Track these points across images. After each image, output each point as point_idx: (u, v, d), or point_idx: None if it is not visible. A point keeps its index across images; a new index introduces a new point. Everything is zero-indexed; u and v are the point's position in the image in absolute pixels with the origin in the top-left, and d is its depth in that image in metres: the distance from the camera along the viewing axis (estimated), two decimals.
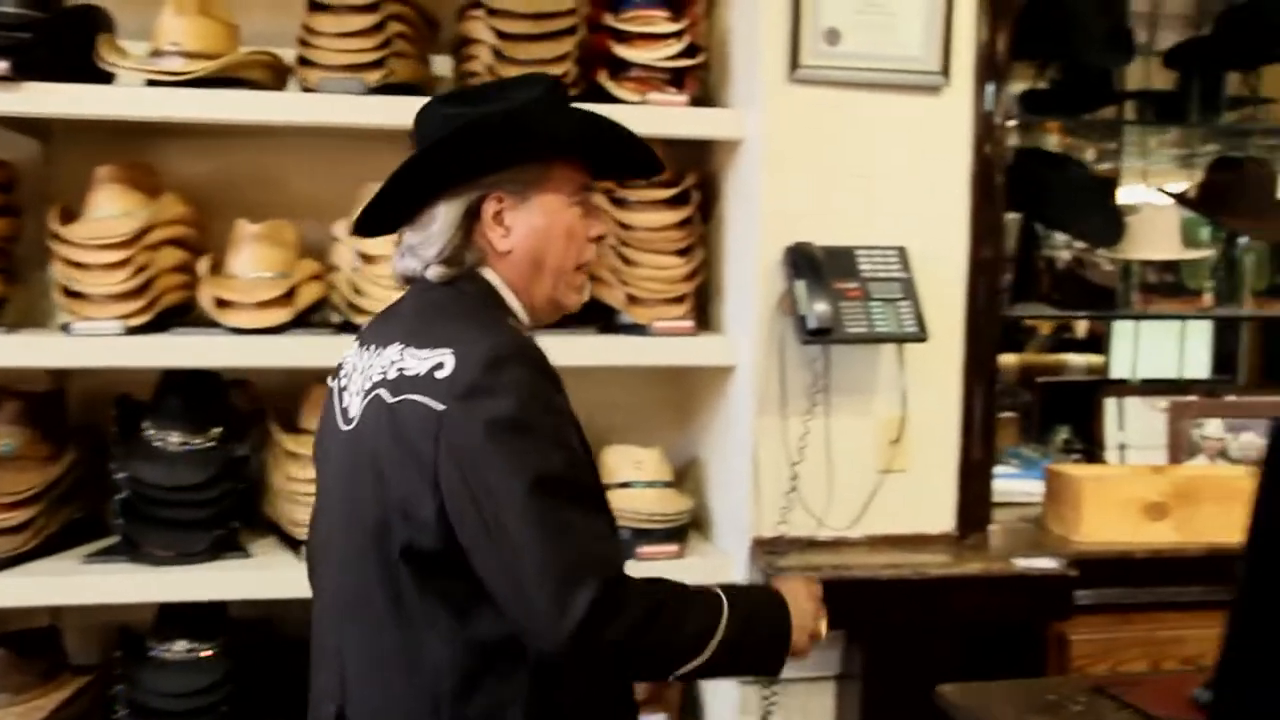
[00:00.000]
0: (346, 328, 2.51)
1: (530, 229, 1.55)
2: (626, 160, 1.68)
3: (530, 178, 1.55)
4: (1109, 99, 3.50)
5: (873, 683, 2.43)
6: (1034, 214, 2.96)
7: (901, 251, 2.48)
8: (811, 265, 2.40)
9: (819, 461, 2.49)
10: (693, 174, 2.65)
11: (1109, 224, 2.88)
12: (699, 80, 2.67)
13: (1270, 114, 3.47)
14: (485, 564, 1.37)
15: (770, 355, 2.48)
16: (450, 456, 1.37)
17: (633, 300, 2.59)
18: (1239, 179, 2.90)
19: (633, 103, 2.53)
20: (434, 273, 1.55)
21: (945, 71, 2.52)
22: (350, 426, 1.53)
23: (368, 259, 2.51)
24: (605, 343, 2.55)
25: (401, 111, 2.43)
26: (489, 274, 1.56)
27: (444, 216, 1.53)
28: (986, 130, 2.58)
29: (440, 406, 1.39)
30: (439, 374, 1.41)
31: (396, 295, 2.45)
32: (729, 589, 1.50)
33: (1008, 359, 4.78)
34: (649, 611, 1.36)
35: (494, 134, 1.51)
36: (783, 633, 1.52)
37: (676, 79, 2.59)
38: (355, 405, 1.53)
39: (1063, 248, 3.22)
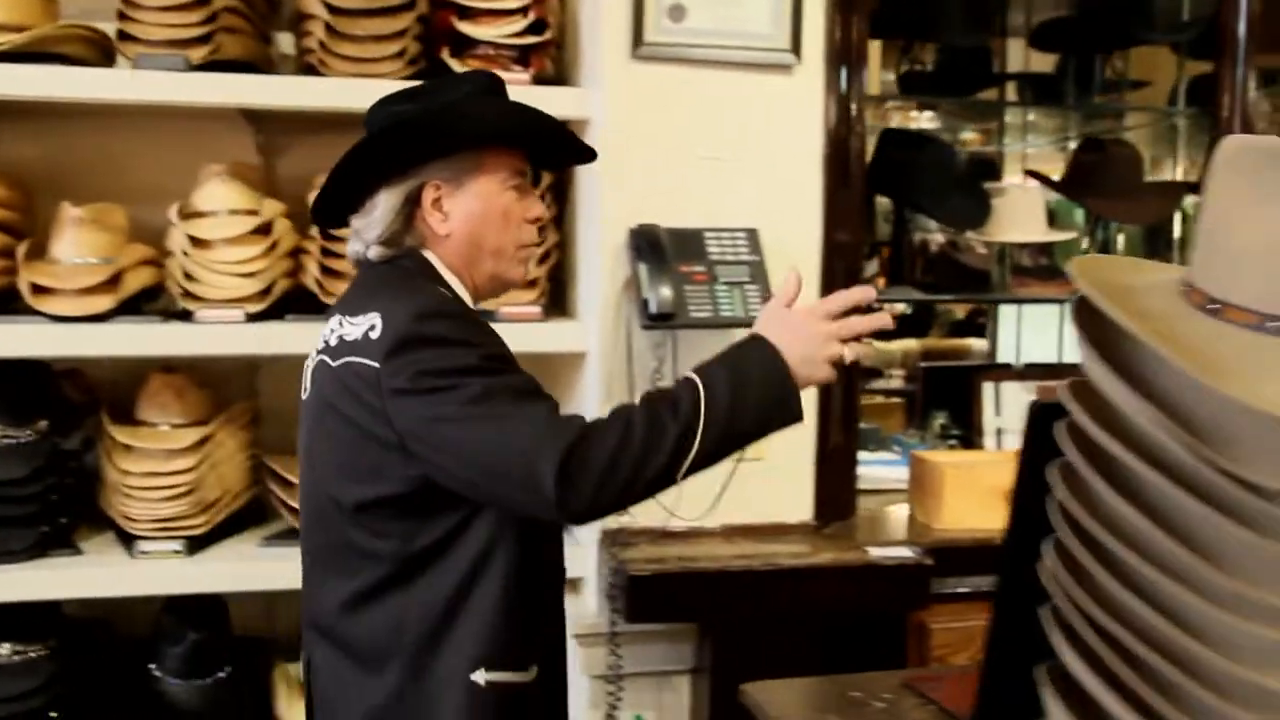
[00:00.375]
0: (179, 315, 2.42)
1: (467, 213, 1.65)
2: (559, 149, 1.80)
3: (465, 166, 1.64)
4: (988, 81, 3.48)
5: (722, 676, 2.37)
6: (897, 196, 2.91)
7: (752, 234, 2.42)
8: (655, 248, 2.33)
9: None
10: None
11: (973, 206, 2.84)
12: (549, 58, 2.59)
13: (1148, 96, 3.48)
14: (468, 484, 1.49)
15: (617, 341, 2.42)
16: (398, 405, 1.49)
17: None
18: (1103, 161, 2.87)
19: None
20: (374, 253, 1.66)
21: (796, 50, 2.46)
22: (307, 395, 1.67)
23: (199, 244, 2.42)
24: None
25: (228, 90, 2.36)
26: (429, 255, 1.66)
27: (385, 203, 1.63)
28: (842, 111, 2.52)
29: (376, 364, 1.51)
30: (372, 334, 1.53)
31: (229, 281, 2.43)
32: (707, 369, 1.54)
33: (909, 344, 4.77)
34: (616, 448, 1.44)
35: (422, 128, 1.63)
36: (776, 385, 1.52)
37: (523, 57, 2.52)
38: (309, 375, 1.67)
39: (936, 231, 3.19)
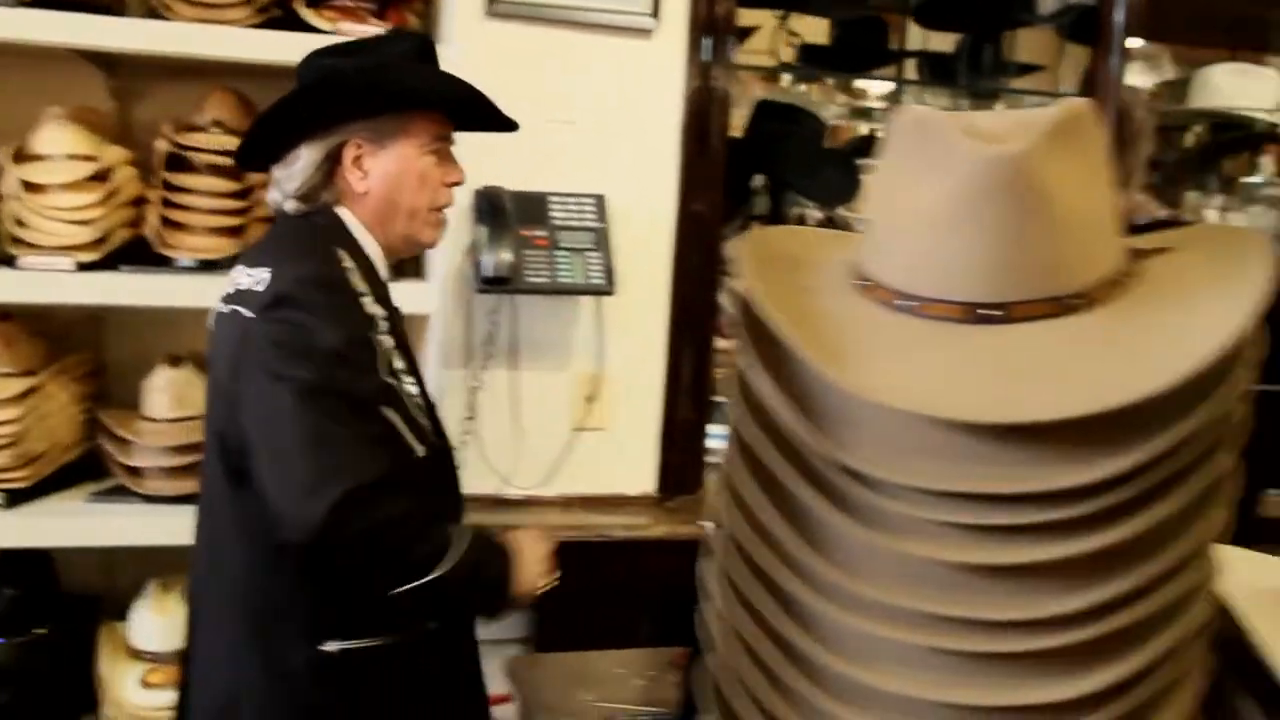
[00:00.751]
0: (6, 261, 2.34)
1: (385, 174, 1.68)
2: (483, 115, 1.81)
3: (387, 128, 1.67)
4: (886, 58, 3.44)
5: (551, 647, 2.33)
6: (767, 169, 2.87)
7: (599, 200, 2.38)
8: (496, 211, 2.28)
9: (504, 417, 2.38)
10: None
11: (843, 181, 2.80)
12: (412, 13, 2.52)
13: (1044, 80, 3.45)
14: (258, 456, 1.51)
15: (457, 305, 2.37)
16: (249, 360, 1.53)
17: None
18: None
19: (325, 32, 2.38)
20: (290, 206, 1.70)
21: (655, 14, 2.40)
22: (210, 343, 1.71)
23: (32, 188, 2.33)
24: None
25: (62, 28, 2.27)
26: (343, 212, 1.69)
27: (306, 157, 1.66)
28: (704, 79, 2.47)
29: (251, 316, 1.54)
30: (258, 288, 1.56)
31: (62, 228, 2.35)
32: (469, 529, 1.60)
33: None
34: (386, 523, 1.46)
35: (348, 87, 1.67)
36: (503, 585, 1.61)
37: (381, 10, 2.45)
38: (211, 321, 1.70)
39: (815, 206, 3.15)
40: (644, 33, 2.41)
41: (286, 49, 2.36)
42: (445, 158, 1.76)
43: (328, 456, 1.44)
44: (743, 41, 3.25)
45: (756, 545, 0.82)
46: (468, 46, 2.35)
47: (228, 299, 1.64)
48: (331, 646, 1.58)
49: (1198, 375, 0.72)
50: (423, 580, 1.49)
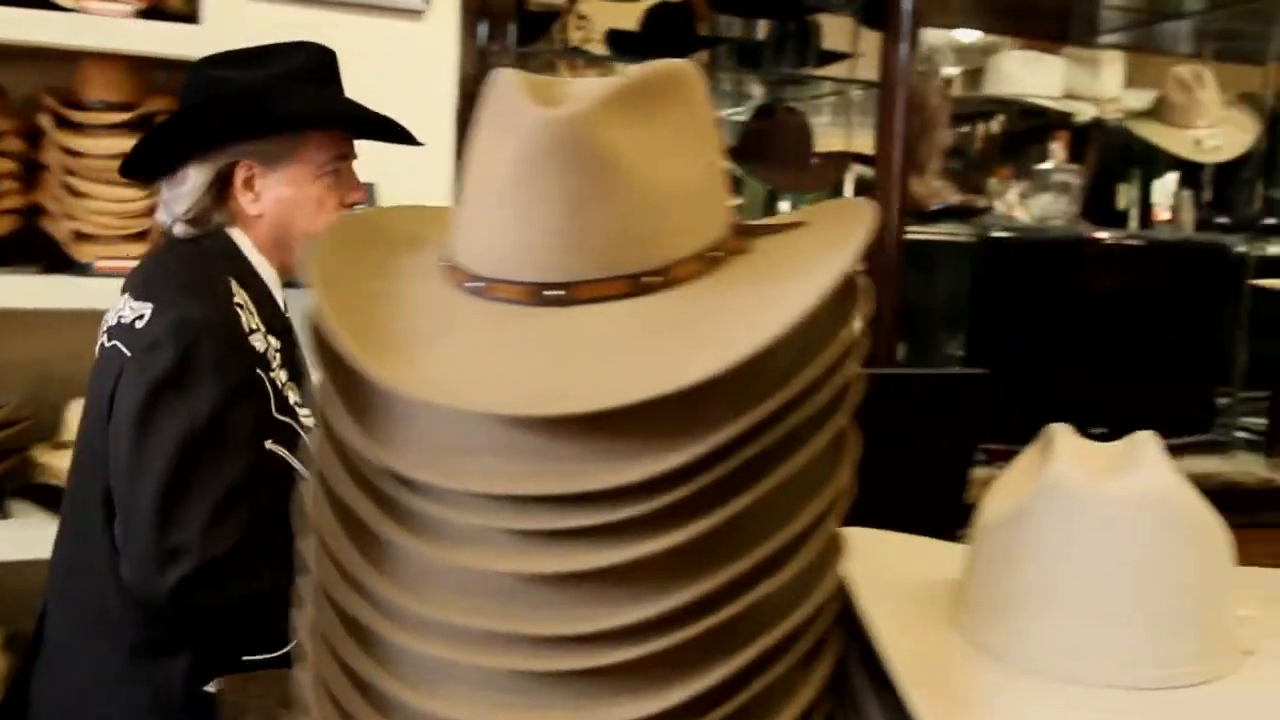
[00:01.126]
0: None
1: (279, 197, 1.63)
2: (382, 130, 1.75)
3: (277, 150, 1.63)
4: (695, 44, 3.40)
5: None
6: None
7: (369, 189, 2.27)
8: None
9: None
10: (159, 97, 2.37)
11: None
12: None
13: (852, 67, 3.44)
14: (118, 507, 1.50)
15: None
16: (122, 404, 1.49)
17: (81, 236, 2.31)
18: (771, 128, 2.81)
19: (68, 9, 2.23)
20: (179, 229, 1.63)
21: None
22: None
23: None
24: (42, 284, 2.26)
25: None
26: (236, 234, 1.63)
27: (194, 178, 1.61)
28: (480, 64, 2.39)
29: (128, 354, 1.51)
30: (139, 324, 1.51)
31: None
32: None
33: None
34: (234, 601, 1.47)
35: (234, 107, 1.59)
36: None
37: None
38: (97, 349, 1.64)
39: None
40: (414, 14, 2.32)
41: (29, 27, 2.23)
42: (344, 177, 1.69)
43: (177, 532, 1.42)
44: (546, 27, 3.18)
45: (330, 576, 0.74)
46: (227, 27, 2.23)
47: (110, 332, 1.57)
48: (212, 688, 1.47)
49: (768, 349, 0.65)
50: (276, 654, 1.43)
